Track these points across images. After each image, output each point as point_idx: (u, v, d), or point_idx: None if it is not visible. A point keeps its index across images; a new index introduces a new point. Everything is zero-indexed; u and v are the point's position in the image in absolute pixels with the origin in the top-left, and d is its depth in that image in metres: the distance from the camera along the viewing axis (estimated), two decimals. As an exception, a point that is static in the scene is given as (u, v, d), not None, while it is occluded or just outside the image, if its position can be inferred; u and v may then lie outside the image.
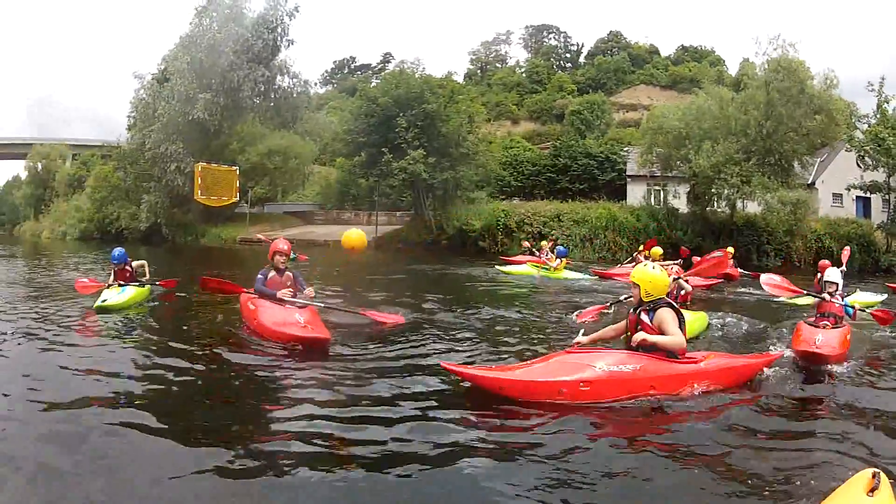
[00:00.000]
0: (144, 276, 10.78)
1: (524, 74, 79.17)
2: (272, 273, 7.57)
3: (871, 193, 29.05)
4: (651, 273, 5.55)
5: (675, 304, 5.71)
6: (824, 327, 7.08)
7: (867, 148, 26.27)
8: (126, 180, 40.51)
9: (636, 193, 34.90)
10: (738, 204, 28.01)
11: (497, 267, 17.72)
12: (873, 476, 2.54)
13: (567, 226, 28.61)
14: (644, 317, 5.47)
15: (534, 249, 20.09)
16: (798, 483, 3.58)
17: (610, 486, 3.56)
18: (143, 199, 37.95)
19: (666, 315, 5.35)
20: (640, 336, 5.21)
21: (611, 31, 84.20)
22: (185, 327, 8.18)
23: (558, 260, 16.58)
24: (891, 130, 25.63)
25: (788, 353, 6.77)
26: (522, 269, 17.11)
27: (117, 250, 10.21)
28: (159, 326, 8.12)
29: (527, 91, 71.30)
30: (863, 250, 26.59)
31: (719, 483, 3.60)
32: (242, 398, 5.12)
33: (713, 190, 26.51)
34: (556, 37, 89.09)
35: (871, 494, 2.47)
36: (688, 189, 29.45)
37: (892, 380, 6.29)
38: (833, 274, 7.81)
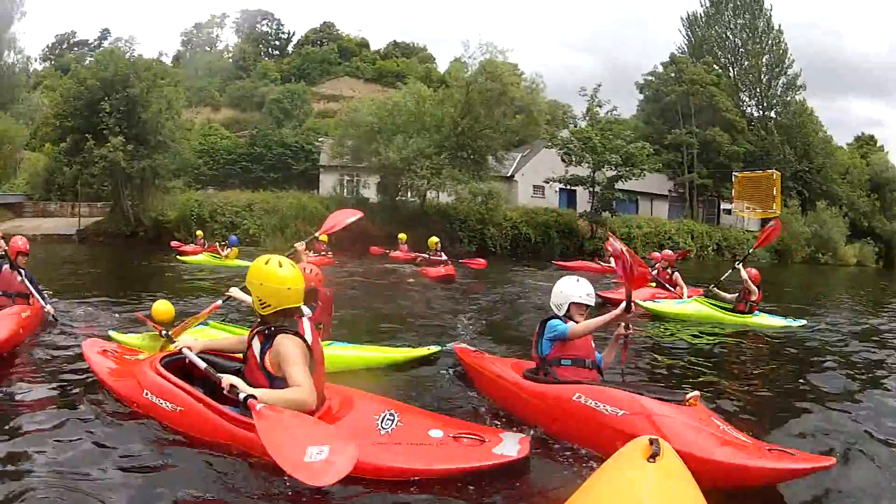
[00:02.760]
0: None
1: (231, 60, 74.20)
2: (6, 267, 6.81)
3: (571, 186, 32.83)
4: (263, 270, 3.34)
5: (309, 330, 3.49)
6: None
7: (571, 145, 29.77)
8: None
9: (328, 183, 34.82)
10: (431, 194, 29.36)
11: (177, 257, 18.32)
12: (651, 442, 2.33)
13: (259, 215, 28.44)
14: (256, 345, 3.34)
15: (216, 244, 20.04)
16: (565, 456, 3.52)
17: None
18: None
19: (287, 348, 3.21)
20: (229, 380, 3.13)
21: (324, 22, 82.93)
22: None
23: (229, 249, 17.48)
24: (598, 131, 29.55)
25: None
26: (198, 258, 17.93)
27: None
28: None
29: (231, 77, 66.77)
30: (565, 237, 30.78)
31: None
32: None
33: (403, 181, 27.78)
34: (270, 23, 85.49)
35: (652, 460, 2.25)
36: (378, 180, 30.42)
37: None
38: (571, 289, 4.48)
